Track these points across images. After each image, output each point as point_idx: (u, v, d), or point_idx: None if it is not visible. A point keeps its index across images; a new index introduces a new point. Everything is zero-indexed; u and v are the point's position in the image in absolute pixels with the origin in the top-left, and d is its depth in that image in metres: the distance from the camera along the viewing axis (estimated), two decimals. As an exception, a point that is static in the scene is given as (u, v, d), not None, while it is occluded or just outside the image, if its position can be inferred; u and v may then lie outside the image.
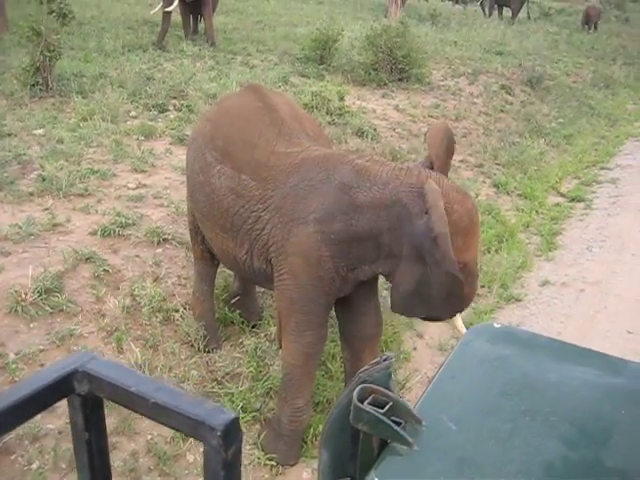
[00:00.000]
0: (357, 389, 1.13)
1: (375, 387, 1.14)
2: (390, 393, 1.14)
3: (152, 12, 14.03)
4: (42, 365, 4.50)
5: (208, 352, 5.05)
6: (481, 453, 1.16)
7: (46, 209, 5.99)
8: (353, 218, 3.87)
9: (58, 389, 1.00)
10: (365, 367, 1.24)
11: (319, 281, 4.01)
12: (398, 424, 1.13)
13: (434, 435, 1.17)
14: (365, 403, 1.12)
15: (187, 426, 0.94)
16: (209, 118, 4.72)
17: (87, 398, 1.03)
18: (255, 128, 4.33)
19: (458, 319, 4.38)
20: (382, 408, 1.12)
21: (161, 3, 13.17)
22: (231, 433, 0.91)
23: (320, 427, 4.66)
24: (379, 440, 1.15)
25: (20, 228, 5.54)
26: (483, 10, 25.82)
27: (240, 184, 4.23)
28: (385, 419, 1.11)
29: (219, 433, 0.90)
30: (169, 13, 13.04)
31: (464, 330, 4.21)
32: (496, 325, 1.57)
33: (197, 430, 0.93)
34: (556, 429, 1.26)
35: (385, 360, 1.24)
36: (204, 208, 4.55)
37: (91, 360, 1.02)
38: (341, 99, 9.65)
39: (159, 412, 0.96)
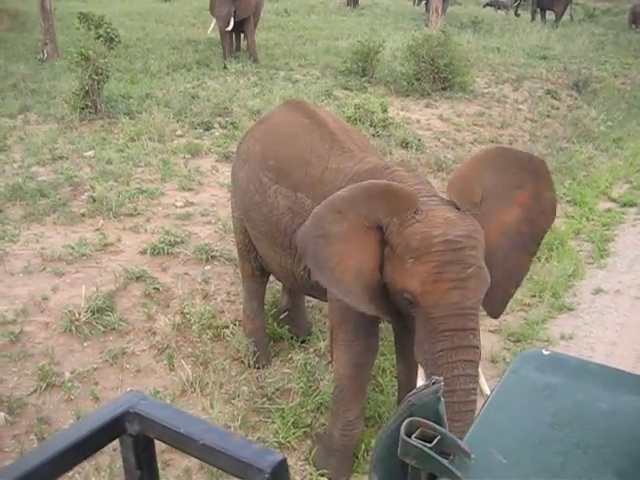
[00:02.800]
0: (405, 423, 1.12)
1: (423, 421, 1.12)
2: (437, 427, 1.11)
3: (208, 32, 14.35)
4: (96, 383, 4.59)
5: (258, 368, 5.08)
6: None
7: (97, 229, 6.14)
8: None
9: (111, 430, 1.02)
10: (414, 391, 1.22)
11: None
12: (447, 457, 1.11)
13: (483, 469, 1.14)
14: (413, 437, 1.10)
15: (235, 468, 0.94)
16: (257, 138, 4.78)
17: (138, 438, 1.04)
18: (306, 145, 4.37)
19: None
20: (430, 441, 1.10)
21: (213, 23, 13.55)
22: (279, 475, 0.91)
23: (372, 442, 4.63)
24: (427, 474, 1.13)
25: (73, 249, 5.68)
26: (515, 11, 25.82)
27: (297, 202, 4.27)
28: (433, 454, 1.08)
29: (267, 475, 0.90)
30: (230, 32, 13.50)
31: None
32: (545, 352, 1.51)
33: (245, 472, 0.93)
34: (609, 462, 1.21)
35: (434, 384, 1.22)
36: (262, 227, 4.61)
37: (141, 401, 1.04)
38: (384, 111, 9.63)
39: (207, 453, 0.97)
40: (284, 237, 4.45)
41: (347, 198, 3.72)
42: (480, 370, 3.66)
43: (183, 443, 0.99)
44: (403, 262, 3.53)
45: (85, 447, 0.99)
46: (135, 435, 1.04)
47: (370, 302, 3.75)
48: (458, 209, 3.66)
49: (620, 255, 7.78)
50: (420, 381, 3.74)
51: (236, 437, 0.97)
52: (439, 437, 1.11)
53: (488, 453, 1.17)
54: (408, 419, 1.12)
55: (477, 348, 3.52)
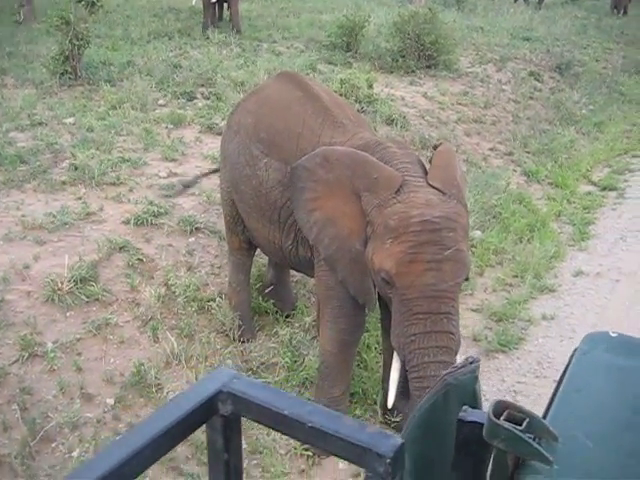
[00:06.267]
0: (492, 403, 1.07)
1: (510, 402, 1.08)
2: (525, 409, 1.08)
3: (193, 3, 14.09)
4: (79, 354, 4.53)
5: (243, 342, 5.04)
6: (624, 472, 1.10)
7: (79, 198, 6.01)
8: None
9: (204, 412, 0.95)
10: (449, 369, 1.19)
11: None
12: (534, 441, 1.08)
13: (571, 453, 1.11)
14: (501, 419, 1.06)
15: (350, 452, 0.88)
16: (249, 109, 4.70)
17: (229, 419, 0.98)
18: (298, 118, 4.31)
19: (394, 367, 3.82)
20: (518, 424, 1.06)
21: None
22: (399, 460, 0.85)
23: (355, 417, 4.64)
24: (515, 457, 1.10)
25: (54, 217, 5.56)
26: None
27: (287, 176, 4.21)
28: (524, 436, 1.05)
29: (388, 460, 0.84)
30: (213, 4, 13.26)
31: (390, 397, 3.84)
32: (612, 334, 1.48)
33: (362, 457, 0.86)
34: None
35: (472, 363, 1.19)
36: (250, 200, 4.55)
37: (234, 379, 0.97)
38: (370, 86, 9.55)
39: (317, 437, 0.90)
40: (273, 210, 4.40)
41: (338, 154, 3.87)
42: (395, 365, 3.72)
43: (287, 425, 0.92)
44: (382, 242, 3.54)
45: (177, 432, 0.92)
46: (227, 416, 0.97)
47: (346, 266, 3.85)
48: (443, 193, 3.65)
49: (600, 238, 7.85)
50: (395, 363, 3.74)
51: (348, 419, 0.90)
52: (528, 419, 1.07)
53: (573, 437, 1.14)
54: (495, 400, 1.08)
55: (452, 334, 3.50)
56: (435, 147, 4.15)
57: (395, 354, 3.73)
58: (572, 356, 1.43)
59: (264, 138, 4.43)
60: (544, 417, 1.20)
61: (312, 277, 4.52)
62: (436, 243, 3.44)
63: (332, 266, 3.95)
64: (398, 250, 3.46)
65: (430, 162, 3.94)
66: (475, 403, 1.19)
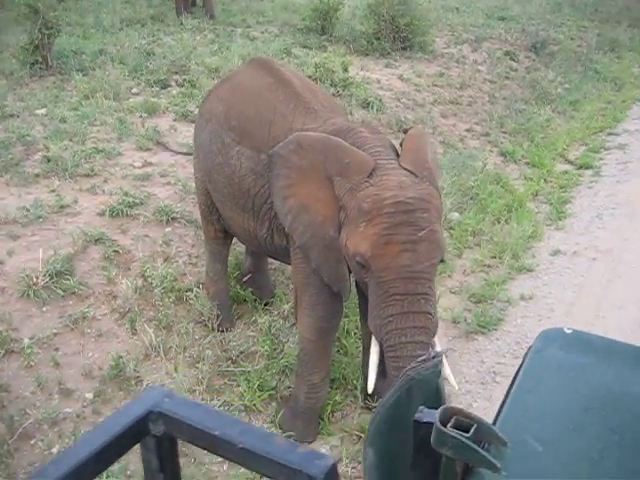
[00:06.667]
0: (439, 410, 1.06)
1: (457, 408, 1.07)
2: (473, 415, 1.07)
3: None
4: (57, 349, 4.49)
5: (222, 331, 5.03)
6: (573, 476, 1.09)
7: (53, 190, 5.94)
8: None
9: (134, 433, 0.93)
10: (412, 364, 1.19)
11: None
12: (482, 447, 1.07)
13: (521, 458, 1.10)
14: (448, 426, 1.05)
15: (281, 474, 0.86)
16: (221, 97, 4.66)
17: (162, 439, 0.96)
18: (270, 104, 4.28)
19: (372, 355, 3.74)
20: (465, 431, 1.05)
21: None
22: None
23: (337, 403, 4.66)
24: (463, 464, 1.09)
25: (28, 211, 5.49)
26: None
27: (259, 164, 4.19)
28: (472, 444, 1.04)
29: None
30: None
31: (370, 383, 3.75)
32: (567, 330, 1.47)
33: (293, 479, 0.85)
34: None
35: (434, 357, 1.18)
36: (224, 189, 4.52)
37: (165, 399, 0.95)
38: (345, 70, 9.50)
39: (248, 458, 0.88)
40: (247, 199, 4.37)
41: (310, 140, 3.86)
42: (445, 362, 3.57)
43: (217, 446, 0.90)
44: (356, 226, 3.53)
45: (106, 455, 0.90)
46: (159, 436, 0.95)
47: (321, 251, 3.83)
48: (415, 175, 3.64)
49: (577, 217, 7.91)
50: (374, 347, 3.71)
51: (279, 439, 0.88)
52: (475, 426, 1.06)
53: (523, 441, 1.13)
54: (443, 407, 1.07)
55: (429, 314, 3.49)
56: (405, 131, 4.14)
57: (373, 338, 3.73)
58: (526, 354, 1.42)
59: (235, 126, 4.39)
60: (496, 418, 1.20)
61: (289, 264, 4.50)
62: (410, 224, 3.44)
63: (306, 254, 3.94)
64: (372, 232, 3.45)
65: (401, 146, 3.92)
66: (439, 398, 1.19)
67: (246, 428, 0.90)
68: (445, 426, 1.04)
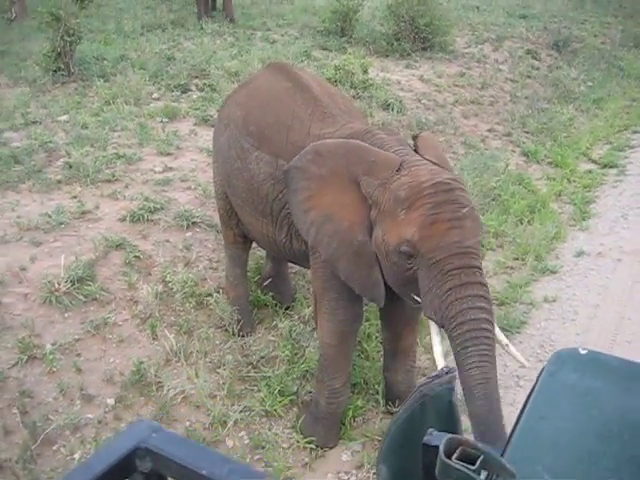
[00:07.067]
0: (444, 441, 1.02)
1: (464, 439, 1.03)
2: (480, 445, 1.03)
3: None
4: (79, 355, 4.51)
5: (242, 336, 5.03)
6: None
7: (74, 197, 5.98)
8: None
9: (121, 470, 0.90)
10: (425, 380, 1.16)
11: None
12: (489, 479, 1.03)
13: None
14: (453, 458, 1.01)
15: None
16: (239, 102, 4.67)
17: (150, 476, 0.94)
18: (288, 109, 4.27)
19: (434, 338, 3.63)
20: (472, 461, 1.01)
21: None
22: None
23: (359, 407, 4.63)
24: None
25: (50, 217, 5.53)
26: None
27: (278, 169, 4.19)
28: (477, 477, 1.00)
29: None
30: None
31: (438, 359, 3.60)
32: (582, 351, 1.40)
33: None
34: None
35: (447, 373, 1.15)
36: (243, 194, 4.52)
37: (153, 434, 0.93)
38: (365, 72, 9.47)
39: None
40: (265, 204, 4.36)
41: (330, 146, 3.83)
42: (434, 331, 3.55)
43: None
44: (394, 216, 3.48)
45: None
46: (146, 473, 0.93)
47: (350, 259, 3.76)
48: (441, 167, 3.69)
49: (601, 217, 7.80)
50: (435, 336, 3.59)
51: (269, 478, 0.86)
52: (482, 456, 1.02)
53: (534, 472, 1.08)
54: (447, 437, 1.03)
55: (485, 286, 3.42)
56: (415, 137, 4.12)
57: (432, 326, 3.57)
58: (539, 376, 1.37)
59: (254, 131, 4.39)
60: (506, 446, 1.15)
61: (308, 268, 4.48)
62: (453, 202, 3.39)
63: (334, 267, 3.86)
64: (416, 215, 3.39)
65: (415, 149, 3.92)
66: (452, 414, 1.16)
67: (235, 467, 0.87)
68: (450, 457, 1.00)
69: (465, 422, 3.21)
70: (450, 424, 1.11)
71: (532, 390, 1.33)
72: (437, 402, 1.14)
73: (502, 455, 1.13)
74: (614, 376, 1.38)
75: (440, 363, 3.55)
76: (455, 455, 1.01)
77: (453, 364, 3.33)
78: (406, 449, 1.15)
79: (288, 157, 4.10)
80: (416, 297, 3.57)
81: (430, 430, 1.09)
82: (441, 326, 3.49)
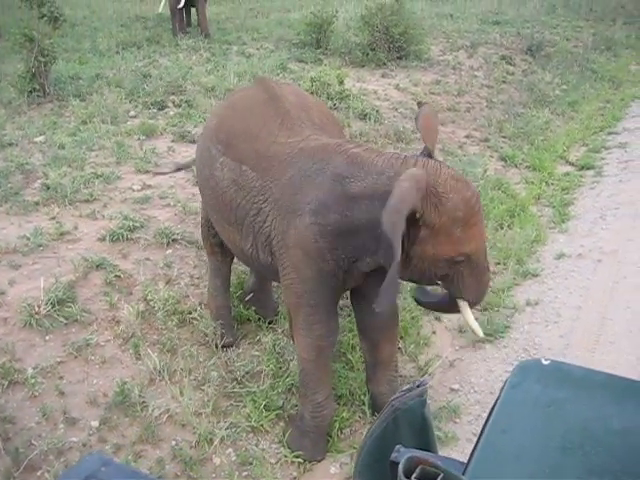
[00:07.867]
0: (403, 461, 1.01)
1: (423, 457, 1.02)
2: (439, 464, 1.02)
3: (159, 10, 14.09)
4: (61, 378, 4.46)
5: (225, 349, 5.00)
6: None
7: (53, 218, 5.94)
8: (348, 209, 3.76)
9: None
10: (397, 394, 1.15)
11: (321, 273, 3.94)
12: None
13: None
14: (413, 477, 1.01)
15: None
16: (216, 113, 4.76)
17: None
18: (258, 119, 4.27)
19: (469, 315, 4.05)
20: None
21: (163, 1, 13.37)
22: None
23: (345, 419, 4.62)
24: None
25: (28, 239, 5.48)
26: None
27: (241, 175, 4.17)
28: None
29: None
30: (180, 9, 13.20)
31: (476, 328, 4.14)
32: (544, 361, 1.40)
33: None
34: None
35: (419, 386, 1.15)
36: (211, 201, 4.54)
37: (102, 468, 0.91)
38: (341, 83, 9.51)
39: None
40: (230, 211, 4.32)
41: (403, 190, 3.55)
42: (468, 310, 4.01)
43: None
44: (450, 234, 3.64)
45: None
46: None
47: None
48: (431, 157, 3.88)
49: (580, 218, 7.86)
50: (470, 316, 4.03)
51: None
52: (441, 475, 1.01)
53: None
54: (406, 456, 1.03)
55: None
56: (419, 103, 4.46)
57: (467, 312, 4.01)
58: (502, 389, 1.37)
59: (222, 139, 4.38)
60: (469, 461, 1.15)
61: (277, 281, 4.47)
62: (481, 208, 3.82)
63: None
64: (475, 232, 3.72)
65: (416, 120, 4.12)
66: (425, 427, 1.16)
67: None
68: (410, 476, 1.00)
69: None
70: (423, 437, 1.11)
71: (495, 403, 1.33)
72: (410, 415, 1.13)
73: (465, 470, 1.12)
74: (577, 386, 1.37)
75: (479, 333, 4.22)
76: (415, 474, 1.00)
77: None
78: (381, 464, 1.14)
79: (251, 163, 4.12)
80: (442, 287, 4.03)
81: (397, 447, 1.09)
82: (474, 304, 4.10)
